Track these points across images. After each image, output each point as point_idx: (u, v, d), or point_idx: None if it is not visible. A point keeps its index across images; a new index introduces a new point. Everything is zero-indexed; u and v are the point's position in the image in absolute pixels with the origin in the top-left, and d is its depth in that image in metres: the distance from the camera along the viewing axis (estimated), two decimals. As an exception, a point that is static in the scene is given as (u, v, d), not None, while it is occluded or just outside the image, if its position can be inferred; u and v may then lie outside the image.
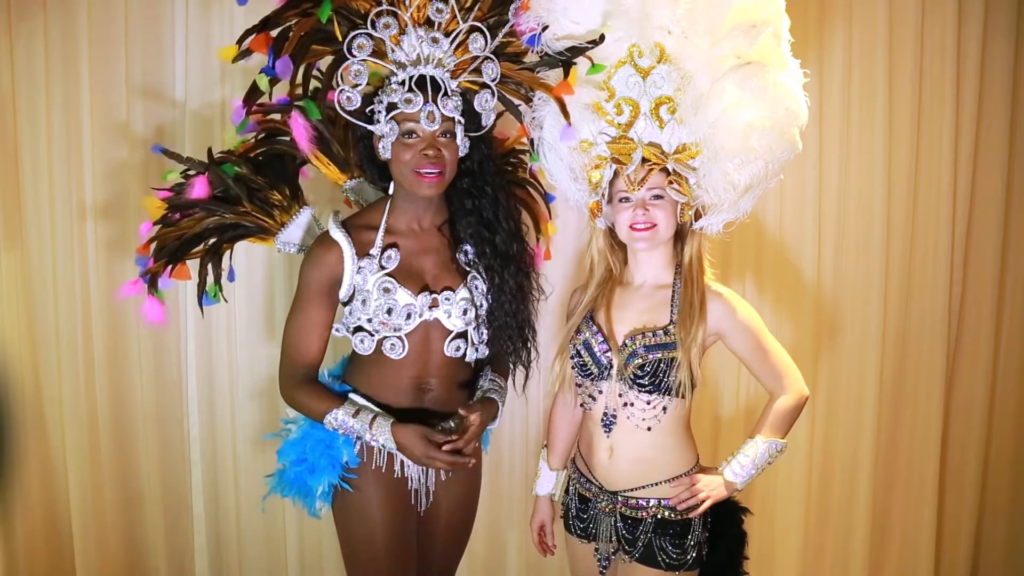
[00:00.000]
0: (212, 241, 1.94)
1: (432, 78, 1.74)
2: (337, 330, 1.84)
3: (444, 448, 1.74)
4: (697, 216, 1.82)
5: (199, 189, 1.87)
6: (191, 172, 1.93)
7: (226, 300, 2.07)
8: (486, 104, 1.81)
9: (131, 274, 2.43)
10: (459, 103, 1.76)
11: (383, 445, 1.75)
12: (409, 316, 1.78)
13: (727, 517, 1.88)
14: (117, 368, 2.58)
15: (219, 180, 1.89)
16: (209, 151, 1.92)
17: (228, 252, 2.00)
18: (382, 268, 1.78)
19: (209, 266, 1.95)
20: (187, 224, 1.91)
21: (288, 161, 1.99)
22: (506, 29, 1.79)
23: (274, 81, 1.70)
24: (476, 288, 1.85)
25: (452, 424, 1.84)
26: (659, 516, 1.80)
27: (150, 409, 2.60)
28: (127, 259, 2.50)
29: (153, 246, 1.92)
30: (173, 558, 2.69)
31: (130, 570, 2.66)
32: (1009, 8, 2.65)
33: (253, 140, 1.99)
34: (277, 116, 1.97)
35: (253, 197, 1.93)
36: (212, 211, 1.90)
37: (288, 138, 1.92)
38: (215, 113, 2.51)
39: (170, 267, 1.93)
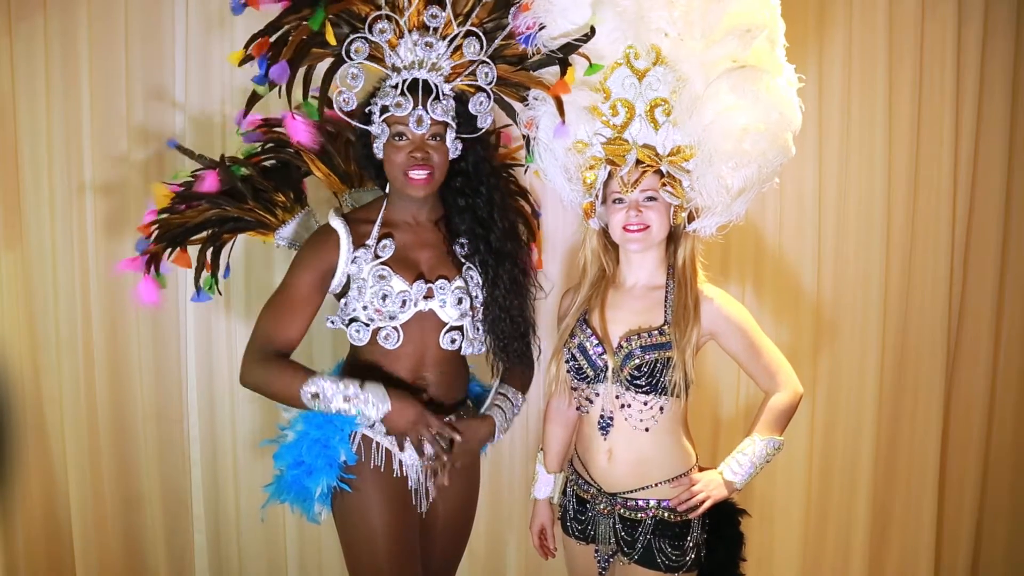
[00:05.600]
0: (212, 231, 1.99)
1: (424, 82, 1.77)
2: (332, 322, 1.86)
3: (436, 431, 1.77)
4: (690, 218, 1.83)
5: (209, 183, 1.94)
6: (201, 170, 2.00)
7: (220, 292, 2.10)
8: (481, 107, 1.83)
9: (132, 275, 2.44)
10: (450, 107, 1.79)
11: (373, 404, 1.71)
12: (404, 304, 1.80)
13: (725, 518, 1.88)
14: (117, 368, 2.58)
15: (228, 177, 1.95)
16: (222, 156, 1.98)
17: (229, 246, 2.05)
18: (377, 257, 1.81)
19: (209, 256, 2.00)
20: (191, 214, 1.97)
21: (293, 170, 2.07)
22: (505, 33, 1.81)
23: (272, 85, 1.71)
24: (471, 278, 1.87)
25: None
26: (658, 517, 1.81)
27: (150, 409, 2.61)
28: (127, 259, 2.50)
29: (155, 229, 1.96)
30: (173, 558, 2.70)
31: (130, 570, 2.67)
32: (1009, 8, 2.65)
33: (260, 148, 2.05)
34: (281, 129, 2.03)
35: (258, 196, 1.99)
36: (216, 204, 1.96)
37: (293, 149, 2.01)
38: (216, 113, 2.51)
39: (170, 251, 1.98)
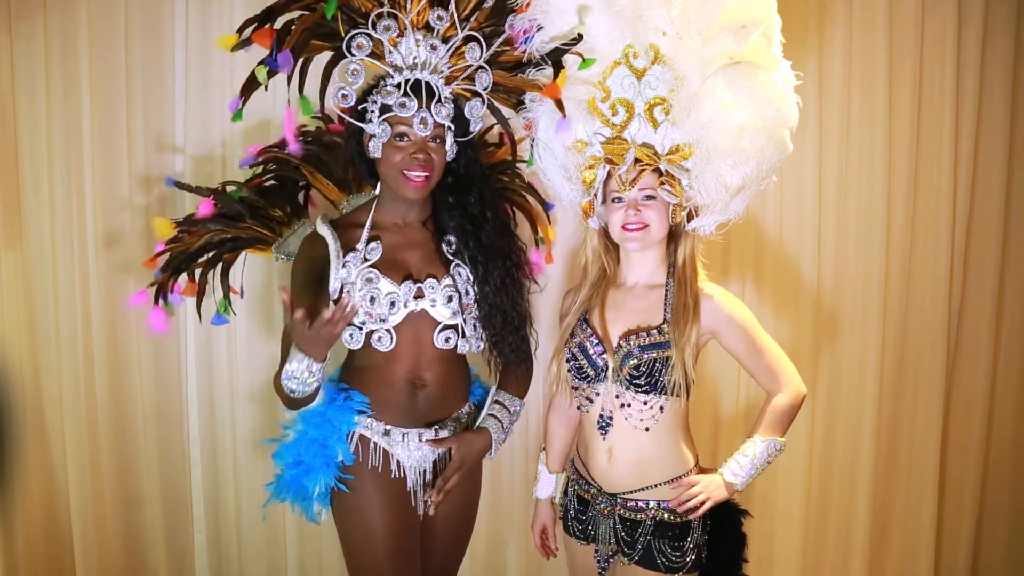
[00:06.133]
0: (212, 253, 2.00)
1: (427, 84, 1.77)
2: None
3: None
4: (689, 217, 1.82)
5: (204, 209, 1.99)
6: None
7: (235, 314, 2.12)
8: (475, 112, 1.85)
9: (131, 276, 2.44)
10: (451, 110, 1.80)
11: (300, 362, 1.66)
12: (393, 305, 1.80)
13: (726, 519, 1.87)
14: (117, 368, 2.58)
15: (224, 202, 1.99)
16: (222, 185, 2.03)
17: (240, 267, 2.06)
18: (366, 260, 1.81)
19: (217, 279, 2.02)
20: (190, 240, 1.98)
21: (291, 185, 2.09)
22: (502, 39, 1.82)
23: (272, 73, 1.71)
24: (460, 275, 1.87)
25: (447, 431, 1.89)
26: (658, 518, 1.80)
27: (150, 410, 2.61)
28: (127, 260, 2.50)
29: (162, 260, 1.99)
30: (173, 558, 2.70)
31: (130, 570, 2.66)
32: (1009, 8, 2.65)
33: (261, 171, 2.08)
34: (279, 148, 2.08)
35: (255, 214, 2.01)
36: (214, 227, 1.99)
37: (292, 165, 2.03)
38: (215, 113, 2.51)
39: (174, 280, 2.00)
